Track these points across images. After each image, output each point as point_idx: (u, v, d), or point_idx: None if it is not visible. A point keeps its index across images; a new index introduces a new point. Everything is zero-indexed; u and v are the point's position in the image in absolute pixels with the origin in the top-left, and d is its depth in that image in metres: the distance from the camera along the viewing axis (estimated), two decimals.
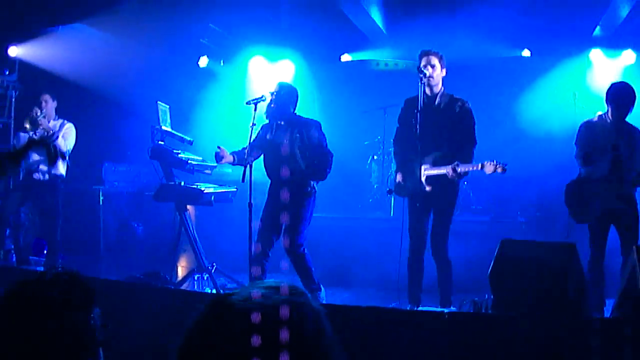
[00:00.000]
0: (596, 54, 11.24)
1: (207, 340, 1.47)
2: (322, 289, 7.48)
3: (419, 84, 6.70)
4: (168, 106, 8.50)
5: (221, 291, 7.80)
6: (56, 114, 8.97)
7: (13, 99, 10.91)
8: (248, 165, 7.10)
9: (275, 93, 7.35)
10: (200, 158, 8.64)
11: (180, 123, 9.06)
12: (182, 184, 8.12)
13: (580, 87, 10.56)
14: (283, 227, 7.31)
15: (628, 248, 5.99)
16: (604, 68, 11.18)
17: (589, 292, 5.79)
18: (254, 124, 7.17)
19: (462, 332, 4.79)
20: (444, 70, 6.88)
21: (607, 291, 6.58)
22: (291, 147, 7.21)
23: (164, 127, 8.26)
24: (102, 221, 10.86)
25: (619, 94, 6.58)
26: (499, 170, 6.55)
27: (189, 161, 8.22)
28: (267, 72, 12.01)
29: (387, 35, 11.48)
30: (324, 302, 7.18)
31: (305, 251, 7.40)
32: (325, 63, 11.96)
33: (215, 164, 8.72)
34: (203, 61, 11.79)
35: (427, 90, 6.84)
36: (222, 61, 12.09)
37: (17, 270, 8.15)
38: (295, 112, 7.45)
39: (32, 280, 2.18)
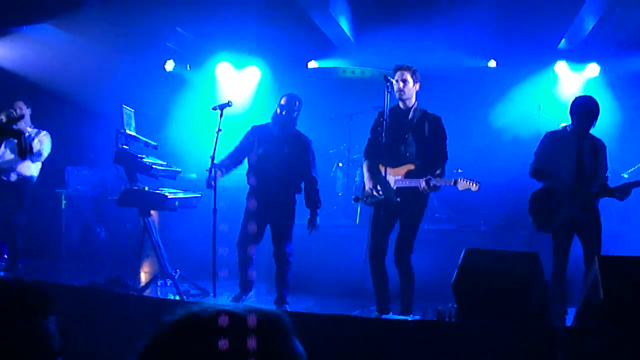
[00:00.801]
0: (561, 66, 11.38)
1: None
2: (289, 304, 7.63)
3: (385, 92, 6.75)
4: (133, 110, 8.42)
5: (184, 297, 7.76)
6: (31, 122, 8.92)
7: None
8: (213, 171, 7.08)
9: (287, 105, 7.60)
10: (165, 163, 8.59)
11: (146, 127, 8.97)
12: (146, 188, 8.04)
13: (546, 98, 10.67)
14: (273, 234, 7.60)
15: (591, 258, 6.06)
16: (569, 80, 11.32)
17: (551, 301, 5.84)
18: (220, 130, 7.18)
19: (425, 341, 4.79)
20: (417, 85, 7.00)
21: (570, 300, 6.65)
22: (291, 160, 7.50)
23: (128, 131, 8.18)
24: (64, 225, 10.72)
25: (583, 108, 6.65)
26: (473, 187, 6.63)
27: (154, 166, 8.15)
28: (234, 78, 11.96)
29: (355, 43, 11.50)
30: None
31: (292, 262, 7.67)
32: (291, 69, 11.93)
33: (180, 170, 8.70)
34: (169, 65, 11.69)
35: (401, 104, 6.99)
36: (188, 66, 12.01)
37: None
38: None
39: None
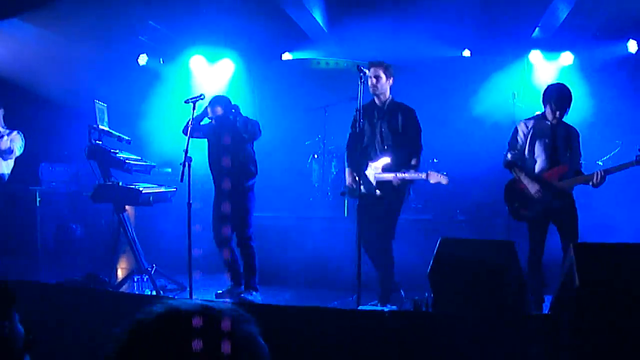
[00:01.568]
0: (535, 55, 11.42)
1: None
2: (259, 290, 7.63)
3: (359, 83, 6.79)
4: (106, 105, 8.35)
5: (161, 292, 7.71)
6: (5, 123, 8.83)
7: None
8: (187, 165, 7.03)
9: (212, 108, 7.59)
10: (139, 157, 8.53)
11: (120, 122, 8.89)
12: (120, 184, 7.98)
13: (521, 87, 10.70)
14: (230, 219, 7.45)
15: (568, 245, 6.06)
16: (544, 69, 11.36)
17: (527, 290, 5.85)
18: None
19: (402, 331, 4.79)
20: (391, 80, 7.17)
21: (547, 288, 6.67)
22: (233, 137, 7.39)
23: (101, 126, 8.12)
24: (39, 223, 10.57)
25: (555, 95, 6.66)
26: (443, 181, 6.80)
27: (127, 161, 8.11)
28: (208, 71, 11.89)
29: (329, 34, 11.46)
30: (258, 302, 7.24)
31: (255, 245, 7.62)
32: (265, 62, 11.90)
33: (154, 164, 8.63)
34: (142, 59, 11.60)
35: (376, 99, 7.19)
36: (161, 59, 11.93)
37: None
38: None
39: None
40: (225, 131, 7.42)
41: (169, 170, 9.92)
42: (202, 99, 7.35)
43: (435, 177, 6.80)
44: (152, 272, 8.05)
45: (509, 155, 6.88)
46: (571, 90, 6.68)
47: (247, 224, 7.59)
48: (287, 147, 10.92)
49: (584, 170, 6.80)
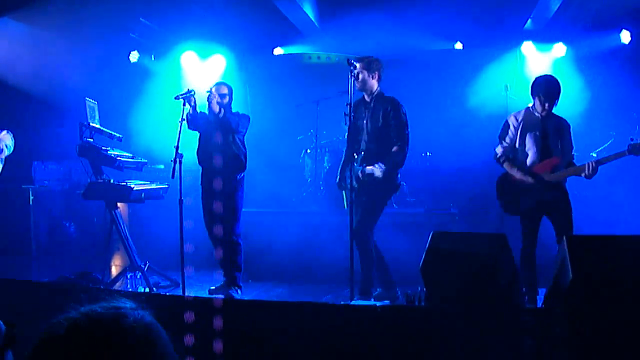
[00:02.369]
0: (528, 47, 11.38)
1: None
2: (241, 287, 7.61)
3: (349, 77, 6.78)
4: (96, 102, 8.33)
5: (154, 289, 7.70)
6: None
7: None
8: (178, 161, 7.01)
9: (215, 90, 7.50)
10: (131, 155, 8.51)
11: (111, 119, 8.87)
12: (112, 181, 7.96)
13: (513, 79, 10.66)
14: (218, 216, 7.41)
15: (562, 238, 6.05)
16: (536, 61, 11.33)
17: (520, 283, 5.84)
18: (183, 120, 7.13)
19: (395, 326, 4.77)
20: (376, 74, 7.16)
21: (540, 282, 6.66)
22: (225, 134, 7.37)
23: (92, 124, 8.09)
24: (32, 221, 10.57)
25: (544, 87, 6.63)
26: (377, 172, 6.92)
27: (119, 158, 8.10)
28: (199, 67, 11.85)
29: (320, 28, 11.43)
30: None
31: (241, 243, 7.58)
32: (257, 57, 11.85)
33: (146, 161, 8.61)
34: (134, 56, 11.55)
35: (365, 96, 7.21)
36: (152, 56, 11.88)
37: None
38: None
39: None
40: (219, 126, 7.40)
41: (162, 167, 9.90)
42: (192, 94, 7.32)
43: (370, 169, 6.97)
44: (145, 269, 8.02)
45: (499, 149, 6.86)
46: (560, 82, 6.66)
47: (236, 219, 7.53)
48: (279, 142, 10.90)
49: (577, 162, 6.77)
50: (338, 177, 7.43)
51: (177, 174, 7.00)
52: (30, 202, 10.59)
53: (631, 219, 8.59)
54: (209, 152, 7.41)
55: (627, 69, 10.43)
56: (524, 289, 6.34)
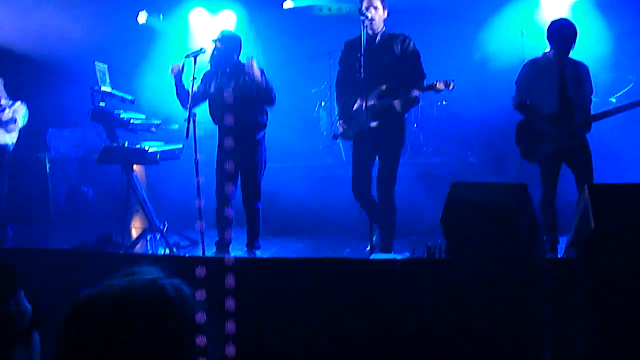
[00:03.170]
0: None
1: (77, 338, 1.39)
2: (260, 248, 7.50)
3: (362, 26, 6.62)
4: (106, 65, 8.25)
5: (174, 250, 7.72)
6: (7, 93, 8.80)
7: None
8: (191, 121, 6.92)
9: (219, 41, 7.30)
10: (144, 116, 8.46)
11: (123, 82, 8.81)
12: (126, 144, 7.93)
13: (529, 24, 10.45)
14: (239, 178, 7.28)
15: (581, 185, 5.99)
16: (552, 4, 11.02)
17: (541, 232, 5.78)
18: (194, 78, 7.00)
19: (415, 279, 4.74)
20: (386, 12, 6.90)
21: (560, 229, 6.60)
22: (239, 93, 7.12)
23: (103, 88, 8.04)
24: (50, 189, 10.58)
25: (559, 31, 6.52)
26: (450, 87, 6.60)
27: (132, 121, 8.05)
28: (209, 24, 11.69)
29: None
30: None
31: (261, 205, 7.42)
32: (267, 11, 11.67)
33: (159, 122, 8.56)
34: (142, 17, 11.41)
35: (370, 32, 6.82)
36: (161, 15, 11.74)
37: None
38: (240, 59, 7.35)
39: None
40: (231, 81, 7.18)
41: (176, 127, 9.83)
42: (203, 52, 7.17)
43: (441, 85, 6.61)
44: (165, 230, 8.05)
45: (517, 96, 6.75)
46: (576, 26, 6.52)
47: (258, 180, 7.32)
48: (293, 96, 10.79)
49: (594, 107, 6.67)
50: (343, 125, 7.07)
51: (191, 133, 6.92)
52: (48, 170, 10.59)
53: None
54: (222, 113, 7.17)
55: None
56: (545, 238, 6.30)
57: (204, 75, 7.43)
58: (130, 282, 1.47)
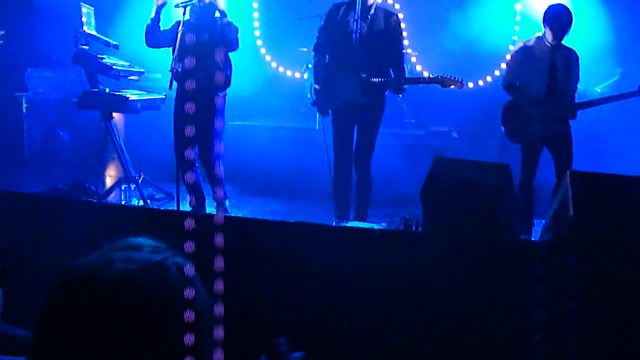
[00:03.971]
0: None
1: (66, 322, 1.28)
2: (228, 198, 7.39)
3: None
4: (93, 8, 8.08)
5: (148, 202, 7.62)
6: None
7: None
8: (176, 71, 6.75)
9: None
10: (128, 63, 8.30)
11: (107, 28, 8.64)
12: (107, 90, 7.79)
13: (523, 4, 10.36)
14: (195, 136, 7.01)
15: (562, 171, 5.99)
16: None
17: (518, 213, 5.79)
18: (183, 27, 6.78)
19: (392, 250, 4.71)
20: None
21: (535, 212, 6.66)
22: (208, 47, 6.83)
23: (87, 30, 7.87)
24: (26, 130, 10.39)
25: (556, 16, 6.53)
26: (458, 85, 6.55)
27: (114, 67, 7.91)
28: None
29: None
30: (228, 211, 7.06)
31: (220, 161, 7.21)
32: None
33: (143, 70, 8.39)
34: None
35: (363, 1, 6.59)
36: None
37: None
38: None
39: None
40: (204, 31, 6.84)
41: (159, 76, 9.66)
42: (192, 1, 6.94)
43: (449, 82, 6.53)
44: (140, 181, 7.95)
45: (507, 77, 6.78)
46: (572, 12, 6.51)
47: (217, 141, 6.98)
48: (280, 55, 10.66)
49: (578, 96, 6.68)
50: (321, 94, 6.83)
51: (174, 84, 6.78)
52: (24, 110, 10.39)
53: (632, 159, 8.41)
54: (192, 63, 6.88)
55: None
56: (520, 219, 6.33)
57: (182, 23, 6.97)
58: (134, 267, 1.34)
